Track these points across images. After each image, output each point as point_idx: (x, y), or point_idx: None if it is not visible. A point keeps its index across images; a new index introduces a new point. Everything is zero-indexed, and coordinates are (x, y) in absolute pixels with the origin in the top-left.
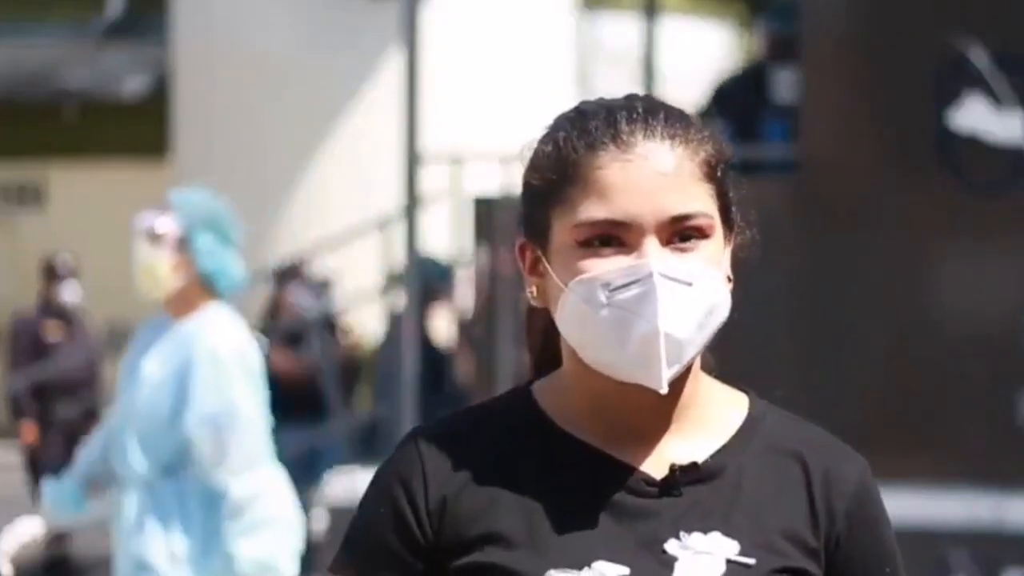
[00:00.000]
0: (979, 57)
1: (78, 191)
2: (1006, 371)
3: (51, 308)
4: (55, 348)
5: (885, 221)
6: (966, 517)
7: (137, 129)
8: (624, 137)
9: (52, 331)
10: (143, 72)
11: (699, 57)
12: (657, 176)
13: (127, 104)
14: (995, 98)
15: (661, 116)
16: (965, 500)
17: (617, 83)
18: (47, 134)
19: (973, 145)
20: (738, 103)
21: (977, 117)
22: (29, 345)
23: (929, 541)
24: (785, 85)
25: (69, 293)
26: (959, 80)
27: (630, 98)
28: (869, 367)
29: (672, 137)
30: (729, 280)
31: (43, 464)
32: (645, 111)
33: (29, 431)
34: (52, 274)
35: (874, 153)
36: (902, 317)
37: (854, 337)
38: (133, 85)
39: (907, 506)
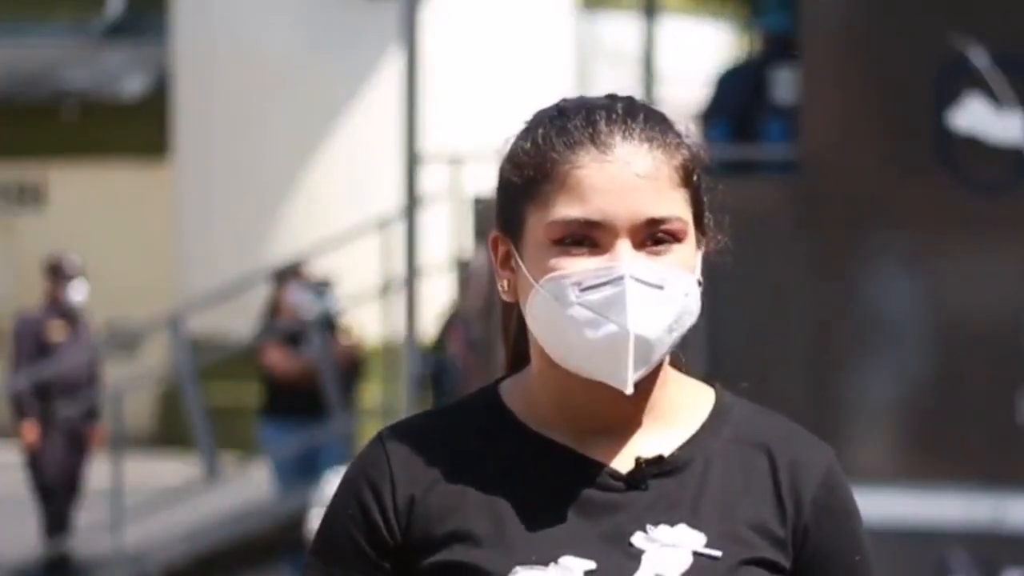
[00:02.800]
0: (979, 57)
1: (78, 191)
2: (1006, 371)
3: (57, 308)
4: (58, 348)
5: (885, 221)
6: (966, 517)
7: (137, 129)
8: (603, 138)
9: (56, 331)
10: (143, 72)
11: (699, 57)
12: (634, 178)
13: (127, 104)
14: (995, 98)
15: (640, 118)
16: (965, 500)
17: (617, 83)
18: (47, 134)
19: (973, 145)
20: (738, 102)
21: (977, 117)
22: (33, 345)
23: (929, 541)
24: (785, 85)
25: (77, 293)
26: (959, 80)
27: (611, 98)
28: (869, 367)
29: (650, 140)
30: (699, 284)
31: (43, 464)
32: (625, 112)
33: (30, 430)
34: (59, 274)
35: (874, 153)
36: (902, 317)
37: (854, 337)
38: (133, 85)
39: (907, 506)
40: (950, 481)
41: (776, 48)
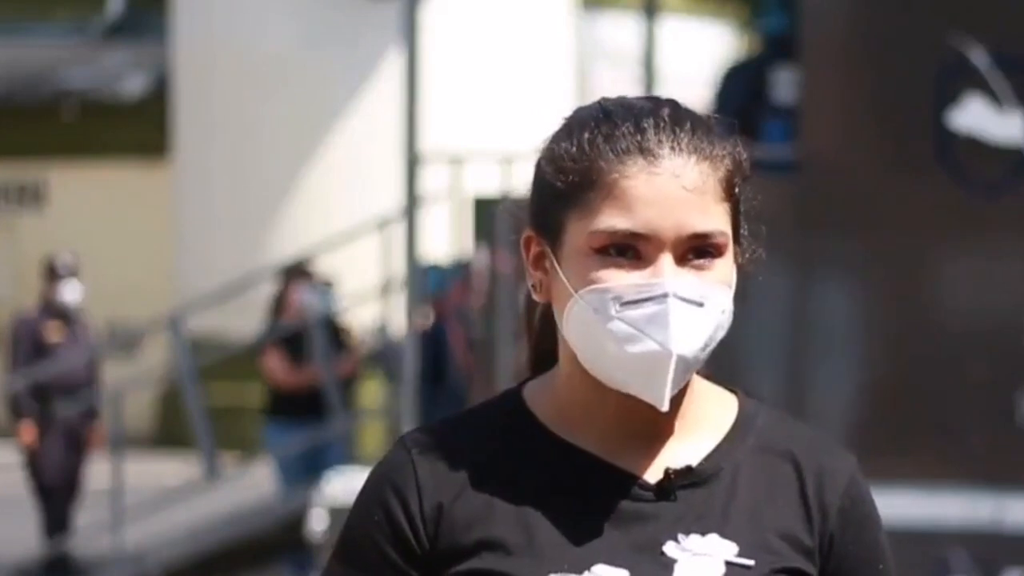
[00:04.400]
0: (979, 57)
1: (78, 191)
2: (1006, 371)
3: (52, 308)
4: (55, 348)
5: (885, 221)
6: (966, 517)
7: (137, 129)
8: (651, 147)
9: (53, 331)
10: (143, 72)
11: (699, 57)
12: (681, 192)
13: (127, 104)
14: (995, 98)
15: (687, 126)
16: (965, 500)
17: (617, 83)
18: (47, 134)
19: (973, 145)
20: (738, 102)
21: (977, 117)
22: (30, 345)
23: (929, 541)
24: (785, 85)
25: (69, 293)
26: (959, 80)
27: (655, 103)
28: (869, 367)
29: (697, 151)
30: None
31: (43, 464)
32: (671, 120)
33: (28, 431)
34: (52, 274)
35: (874, 153)
36: (902, 317)
37: (854, 337)
38: (133, 85)
39: (907, 506)
40: (950, 481)
41: (776, 48)
